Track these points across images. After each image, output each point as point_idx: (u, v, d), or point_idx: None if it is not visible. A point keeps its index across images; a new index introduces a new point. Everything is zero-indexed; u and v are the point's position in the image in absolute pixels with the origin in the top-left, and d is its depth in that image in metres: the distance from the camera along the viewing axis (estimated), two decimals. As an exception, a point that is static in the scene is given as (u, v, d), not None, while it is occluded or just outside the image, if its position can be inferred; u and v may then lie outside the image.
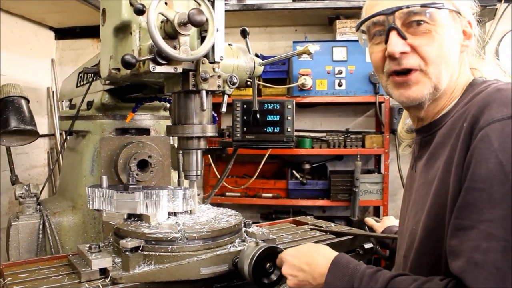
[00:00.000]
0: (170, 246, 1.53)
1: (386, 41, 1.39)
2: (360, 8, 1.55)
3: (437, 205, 1.30)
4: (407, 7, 1.35)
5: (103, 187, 1.74)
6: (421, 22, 1.35)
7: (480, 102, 1.23)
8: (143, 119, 2.37)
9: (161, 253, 1.52)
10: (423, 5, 1.34)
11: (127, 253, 1.48)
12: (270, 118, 3.34)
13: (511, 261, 1.06)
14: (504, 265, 1.06)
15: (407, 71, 1.39)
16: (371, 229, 2.25)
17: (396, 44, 1.36)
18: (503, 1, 4.47)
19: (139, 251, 1.52)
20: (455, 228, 1.19)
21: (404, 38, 1.36)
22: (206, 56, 1.58)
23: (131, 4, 1.56)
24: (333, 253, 1.44)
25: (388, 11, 1.37)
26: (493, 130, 1.15)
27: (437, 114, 1.46)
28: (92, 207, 1.75)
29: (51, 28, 5.17)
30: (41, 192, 2.41)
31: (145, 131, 2.37)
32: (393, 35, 1.37)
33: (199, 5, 1.51)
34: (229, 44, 1.93)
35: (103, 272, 1.51)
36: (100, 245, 1.65)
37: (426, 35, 1.36)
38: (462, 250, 1.15)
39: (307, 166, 4.95)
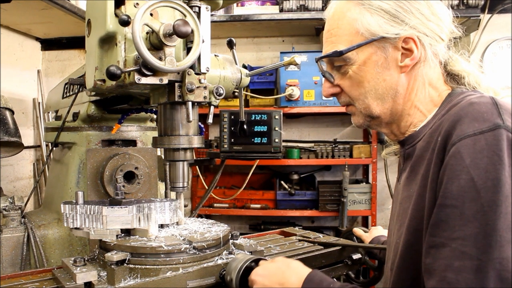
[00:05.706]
0: (156, 259, 1.51)
1: None
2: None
3: (416, 220, 1.29)
4: (321, 57, 1.49)
5: (79, 203, 1.65)
6: (340, 65, 1.44)
7: (453, 116, 1.22)
8: (130, 130, 2.35)
9: (147, 266, 1.50)
10: (320, 58, 1.48)
11: (112, 266, 1.46)
12: (257, 128, 3.35)
13: (484, 281, 1.05)
14: (477, 284, 1.05)
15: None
16: (360, 239, 2.24)
17: (324, 88, 1.53)
18: (486, 12, 4.52)
19: (125, 264, 1.50)
20: (428, 246, 1.18)
21: (331, 81, 1.49)
22: (192, 67, 1.57)
23: (116, 15, 1.56)
24: (306, 270, 1.44)
25: (316, 59, 1.54)
26: (464, 145, 1.14)
27: (407, 131, 1.47)
28: (72, 226, 1.65)
29: (37, 38, 5.13)
30: (26, 204, 2.38)
31: (132, 143, 2.35)
32: (324, 79, 1.53)
33: (185, 16, 1.51)
34: (215, 55, 1.93)
35: (88, 286, 1.48)
36: (86, 258, 1.62)
37: (347, 76, 1.44)
38: (435, 269, 1.14)
39: (295, 177, 4.95)
